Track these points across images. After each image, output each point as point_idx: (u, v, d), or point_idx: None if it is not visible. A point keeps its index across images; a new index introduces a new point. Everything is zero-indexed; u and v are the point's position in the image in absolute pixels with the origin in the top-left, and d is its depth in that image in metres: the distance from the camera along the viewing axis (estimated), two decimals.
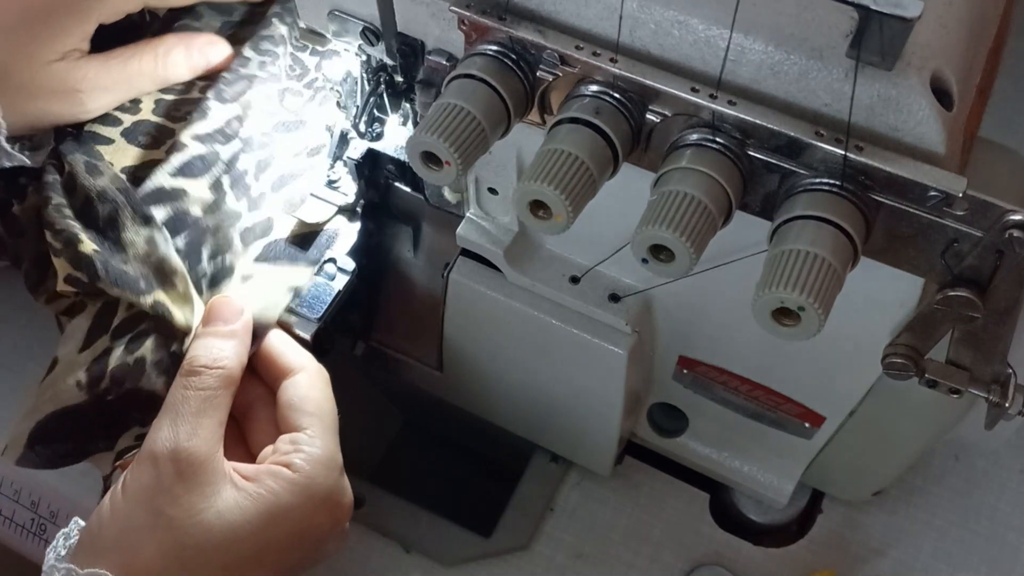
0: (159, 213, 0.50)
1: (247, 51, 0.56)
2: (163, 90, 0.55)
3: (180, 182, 0.51)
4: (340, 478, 0.47)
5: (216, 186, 0.52)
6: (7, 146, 0.50)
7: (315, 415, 0.47)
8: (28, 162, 0.51)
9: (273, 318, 0.51)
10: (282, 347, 0.50)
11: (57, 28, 0.49)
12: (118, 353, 0.48)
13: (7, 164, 0.51)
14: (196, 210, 0.51)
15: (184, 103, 0.54)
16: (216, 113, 0.54)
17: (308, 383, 0.48)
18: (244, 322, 0.48)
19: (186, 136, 0.53)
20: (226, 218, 0.52)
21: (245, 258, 0.52)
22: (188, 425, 0.44)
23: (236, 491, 0.44)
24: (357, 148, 0.53)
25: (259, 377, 0.50)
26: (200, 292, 0.51)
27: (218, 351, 0.47)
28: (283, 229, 0.54)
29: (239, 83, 0.55)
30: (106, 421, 0.49)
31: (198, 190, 0.52)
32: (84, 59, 0.51)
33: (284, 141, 0.55)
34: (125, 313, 0.49)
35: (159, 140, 0.53)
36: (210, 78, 0.55)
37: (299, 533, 0.45)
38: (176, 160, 0.52)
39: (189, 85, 0.55)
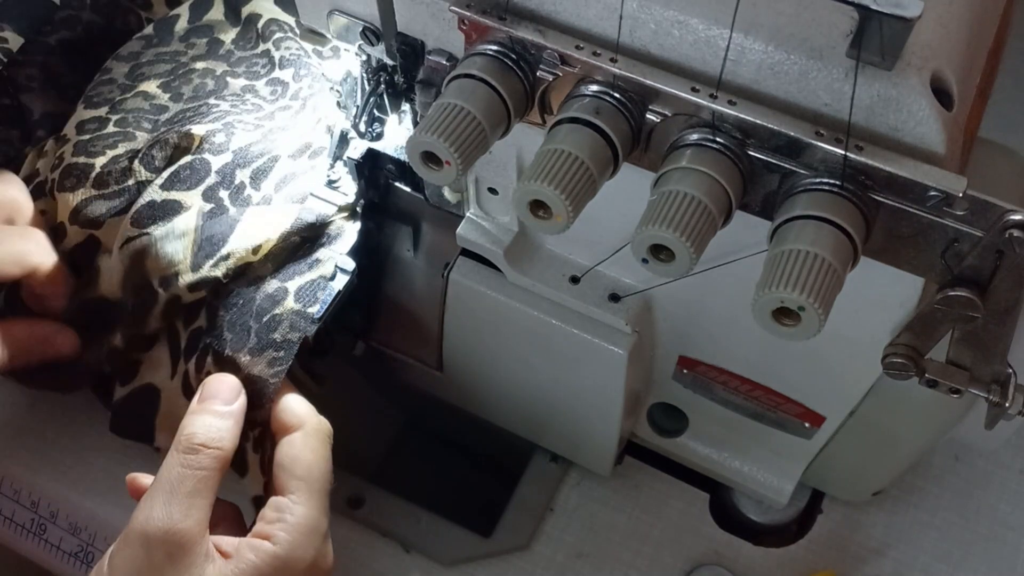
0: (158, 230, 0.51)
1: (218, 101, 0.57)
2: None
3: (173, 195, 0.52)
4: (322, 545, 0.47)
5: (211, 194, 0.52)
6: None
7: (303, 479, 0.47)
8: None
9: None
10: (284, 401, 0.50)
11: None
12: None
13: None
14: (197, 220, 0.52)
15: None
16: (196, 129, 0.54)
17: (303, 442, 0.48)
18: (241, 403, 0.49)
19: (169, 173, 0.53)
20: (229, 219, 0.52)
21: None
22: (182, 506, 0.44)
23: (218, 569, 0.44)
24: (357, 148, 0.53)
25: None
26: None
27: (216, 431, 0.47)
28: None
29: (216, 112, 0.56)
30: None
31: (192, 199, 0.52)
32: None
33: (280, 143, 0.55)
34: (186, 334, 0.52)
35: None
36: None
37: None
38: (164, 174, 0.53)
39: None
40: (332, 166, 0.55)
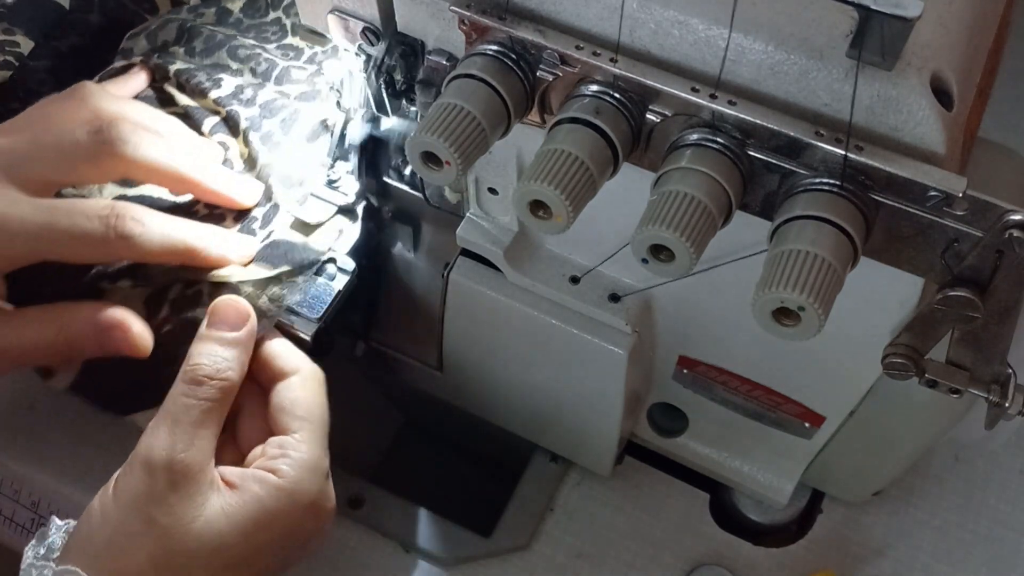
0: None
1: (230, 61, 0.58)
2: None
3: (220, 137, 0.54)
4: (325, 483, 0.47)
5: (246, 140, 0.54)
6: None
7: (305, 419, 0.47)
8: None
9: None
10: (278, 349, 0.50)
11: None
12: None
13: None
14: (239, 163, 0.54)
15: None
16: (226, 82, 0.56)
17: (301, 385, 0.48)
18: (249, 329, 0.48)
19: (207, 102, 0.56)
20: (263, 169, 0.54)
21: (289, 196, 0.54)
22: (186, 436, 0.44)
23: (223, 498, 0.44)
24: (360, 131, 0.53)
25: (253, 376, 0.50)
26: (254, 234, 0.53)
27: (222, 361, 0.46)
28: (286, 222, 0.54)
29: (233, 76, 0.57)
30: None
31: (236, 144, 0.54)
32: None
33: (305, 107, 0.56)
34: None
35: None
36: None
37: (285, 537, 0.45)
38: (208, 122, 0.55)
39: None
40: (332, 166, 0.55)
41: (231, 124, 0.55)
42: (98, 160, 0.48)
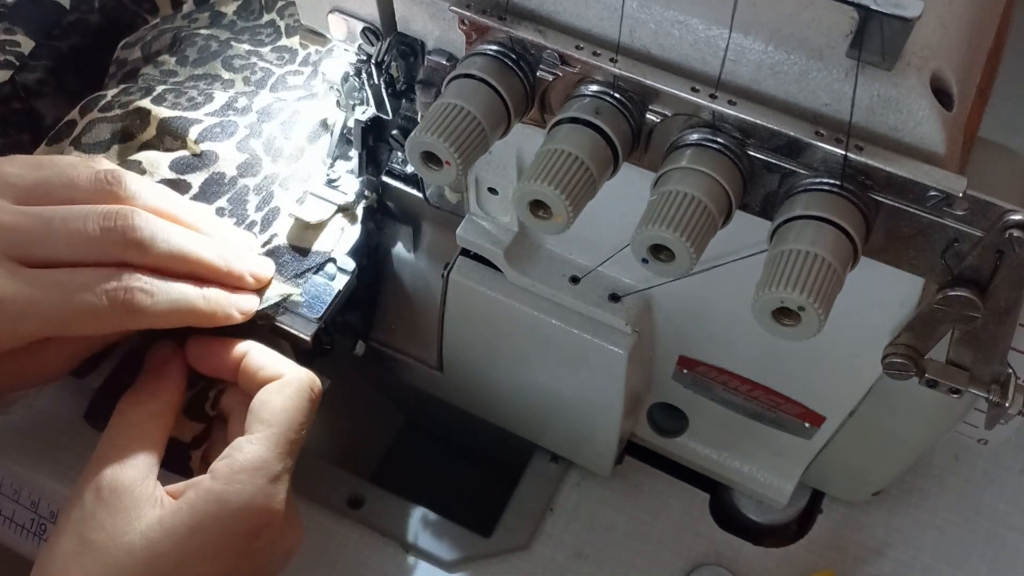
0: (195, 179, 0.53)
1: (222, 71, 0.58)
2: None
3: (206, 146, 0.54)
4: (267, 485, 0.45)
5: (244, 146, 0.54)
6: None
7: (265, 421, 0.46)
8: None
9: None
10: (262, 360, 0.49)
11: None
12: None
13: None
14: (231, 170, 0.54)
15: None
16: (218, 96, 0.56)
17: (276, 390, 0.47)
18: (179, 361, 0.49)
19: (199, 113, 0.55)
20: (265, 177, 0.54)
21: (289, 197, 0.54)
22: (117, 453, 0.45)
23: (160, 510, 0.44)
24: (364, 113, 0.53)
25: (243, 387, 0.50)
26: (254, 237, 0.53)
27: (155, 384, 0.48)
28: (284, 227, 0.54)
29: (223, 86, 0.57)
30: None
31: (227, 151, 0.54)
32: None
33: (305, 107, 0.56)
34: None
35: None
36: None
37: (217, 542, 0.44)
38: (194, 131, 0.54)
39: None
40: (332, 165, 0.55)
41: (220, 131, 0.55)
42: (108, 253, 0.47)
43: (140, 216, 0.47)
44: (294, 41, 0.59)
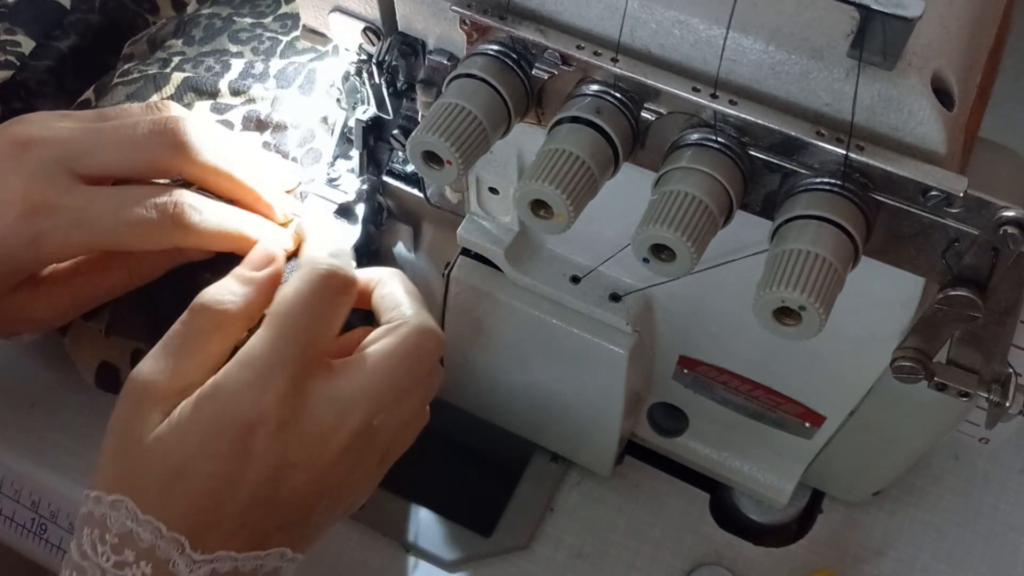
0: (234, 116, 0.54)
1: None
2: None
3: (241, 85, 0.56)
4: (256, 379, 0.43)
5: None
6: None
7: (271, 312, 0.44)
8: None
9: None
10: (361, 274, 0.49)
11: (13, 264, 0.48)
12: None
13: None
14: (266, 108, 0.55)
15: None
16: (235, 64, 0.57)
17: (292, 279, 0.46)
18: (270, 272, 0.46)
19: (220, 81, 0.57)
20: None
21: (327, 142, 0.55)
22: (159, 359, 0.43)
23: (166, 426, 0.42)
24: (365, 112, 0.53)
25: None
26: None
27: (227, 293, 0.45)
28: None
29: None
30: None
31: (259, 91, 0.56)
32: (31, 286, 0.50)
33: (320, 65, 0.57)
34: None
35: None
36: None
37: (210, 440, 0.42)
38: (223, 86, 0.56)
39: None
40: (332, 165, 0.55)
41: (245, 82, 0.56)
42: (155, 159, 0.49)
43: (189, 123, 0.49)
44: (294, 6, 0.60)
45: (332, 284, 0.45)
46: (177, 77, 0.56)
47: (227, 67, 0.57)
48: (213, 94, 0.56)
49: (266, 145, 0.55)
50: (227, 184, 0.50)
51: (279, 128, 0.55)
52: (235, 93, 0.56)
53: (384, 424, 0.45)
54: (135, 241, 0.48)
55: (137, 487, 0.41)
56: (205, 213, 0.48)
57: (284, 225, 0.53)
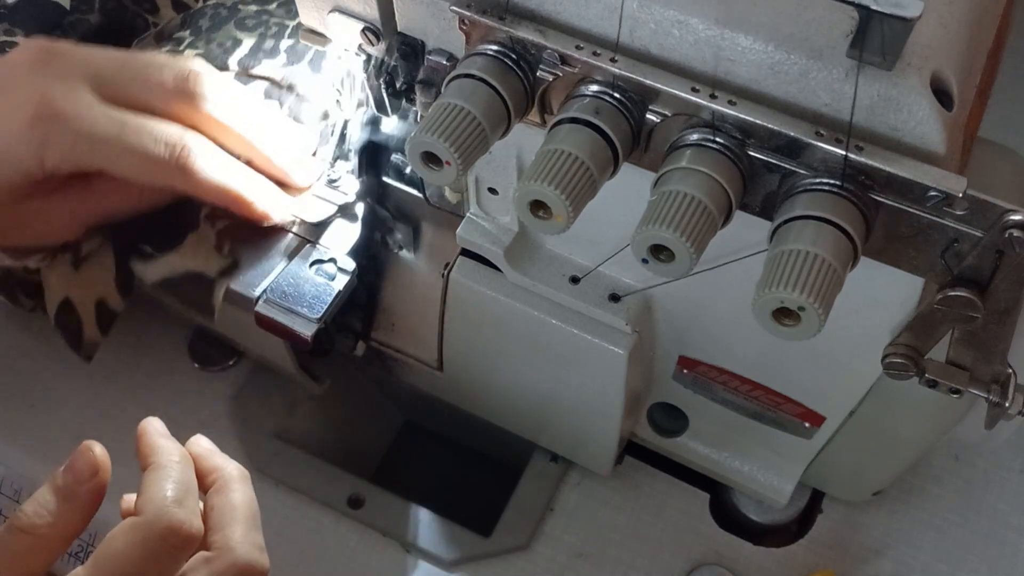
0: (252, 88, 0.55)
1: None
2: None
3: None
4: None
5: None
6: None
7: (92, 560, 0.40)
8: None
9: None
10: (205, 460, 0.45)
11: (19, 173, 0.48)
12: None
13: None
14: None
15: None
16: (246, 41, 0.58)
17: (224, 488, 0.44)
18: (92, 488, 0.42)
19: (231, 58, 0.57)
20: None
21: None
22: None
23: None
24: (358, 140, 0.53)
25: None
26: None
27: (41, 513, 0.41)
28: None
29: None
30: None
31: (273, 69, 0.56)
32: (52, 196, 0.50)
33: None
34: None
35: None
36: None
37: None
38: (233, 62, 0.56)
39: None
40: (332, 165, 0.55)
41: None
42: (172, 106, 0.49)
43: (211, 78, 0.50)
44: None
45: (170, 541, 0.40)
46: (189, 54, 0.57)
47: (238, 43, 0.57)
48: (223, 70, 0.56)
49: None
50: (240, 145, 0.51)
51: (294, 99, 0.56)
52: (245, 71, 0.56)
53: None
54: (135, 169, 0.48)
55: None
56: (211, 164, 0.49)
57: (301, 191, 0.54)
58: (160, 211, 0.53)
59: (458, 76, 0.38)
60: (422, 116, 0.46)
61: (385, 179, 0.55)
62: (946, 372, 0.40)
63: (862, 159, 0.34)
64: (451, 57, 0.42)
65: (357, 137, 0.54)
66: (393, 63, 0.45)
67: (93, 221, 0.53)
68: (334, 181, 0.55)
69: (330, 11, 0.45)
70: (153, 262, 0.54)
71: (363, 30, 0.45)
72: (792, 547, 0.60)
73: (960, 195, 0.33)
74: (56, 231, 0.52)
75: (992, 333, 0.38)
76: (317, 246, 0.54)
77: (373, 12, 0.43)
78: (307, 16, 0.47)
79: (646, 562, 0.59)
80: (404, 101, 0.50)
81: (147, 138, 0.48)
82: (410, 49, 0.44)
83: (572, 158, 0.36)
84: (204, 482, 0.45)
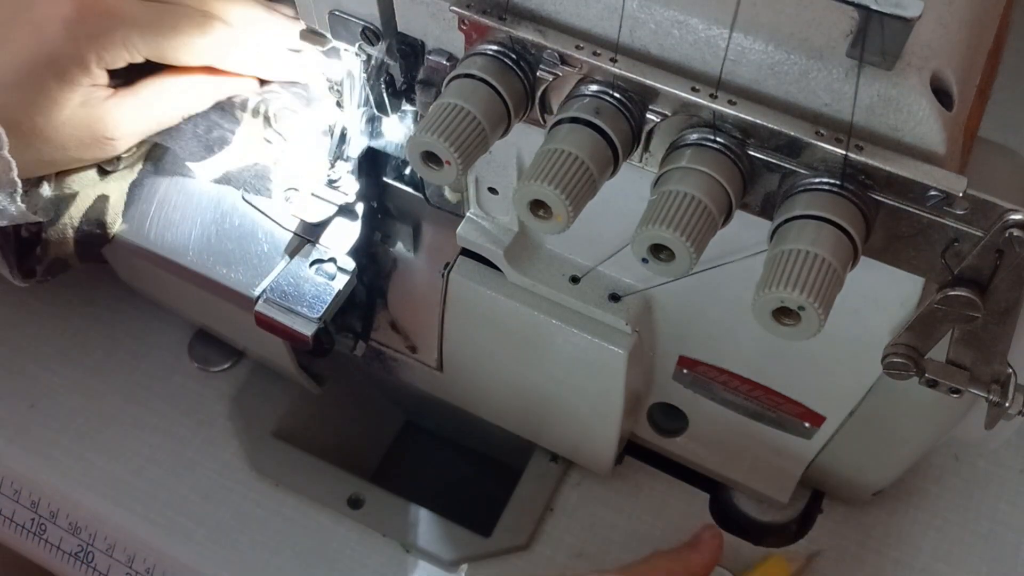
0: None
1: None
2: None
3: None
4: None
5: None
6: (12, 205, 0.49)
7: None
8: (31, 217, 0.51)
9: None
10: None
11: (64, 79, 0.49)
12: None
13: (5, 223, 0.50)
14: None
15: None
16: None
17: None
18: None
19: None
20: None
21: None
22: None
23: None
24: (357, 145, 0.53)
25: None
26: None
27: None
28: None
29: None
30: None
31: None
32: (110, 101, 0.51)
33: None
34: None
35: None
36: None
37: None
38: None
39: None
40: (332, 165, 0.55)
41: None
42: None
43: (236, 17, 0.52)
44: None
45: None
46: None
47: None
48: None
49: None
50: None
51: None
52: None
53: None
54: (173, 48, 0.51)
55: None
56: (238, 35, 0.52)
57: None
58: None
59: (458, 76, 0.38)
60: (422, 116, 0.46)
61: (385, 179, 0.55)
62: (946, 372, 0.40)
63: (862, 159, 0.34)
64: (451, 57, 0.42)
65: (357, 137, 0.54)
66: (393, 63, 0.45)
67: (165, 121, 0.54)
68: (334, 181, 0.55)
69: (330, 11, 0.45)
70: None
71: (363, 30, 0.45)
72: (792, 547, 0.60)
73: (960, 195, 0.33)
74: (128, 136, 0.53)
75: (992, 333, 0.37)
76: (317, 246, 0.54)
77: (373, 12, 0.43)
78: (307, 16, 0.47)
79: None
80: (404, 101, 0.50)
81: (185, 19, 0.50)
82: (410, 49, 0.44)
83: (572, 158, 0.36)
84: None
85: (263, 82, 0.56)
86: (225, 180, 0.56)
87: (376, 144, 0.53)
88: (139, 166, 0.57)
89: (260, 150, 0.57)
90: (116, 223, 0.57)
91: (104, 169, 0.55)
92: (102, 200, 0.56)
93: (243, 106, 0.55)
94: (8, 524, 0.61)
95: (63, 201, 0.54)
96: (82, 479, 0.60)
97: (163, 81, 0.52)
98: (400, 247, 0.58)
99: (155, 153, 0.57)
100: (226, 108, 0.56)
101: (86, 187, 0.55)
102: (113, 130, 0.51)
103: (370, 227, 0.56)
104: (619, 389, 0.52)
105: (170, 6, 0.51)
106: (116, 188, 0.56)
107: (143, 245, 0.56)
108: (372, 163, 0.54)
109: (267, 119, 0.55)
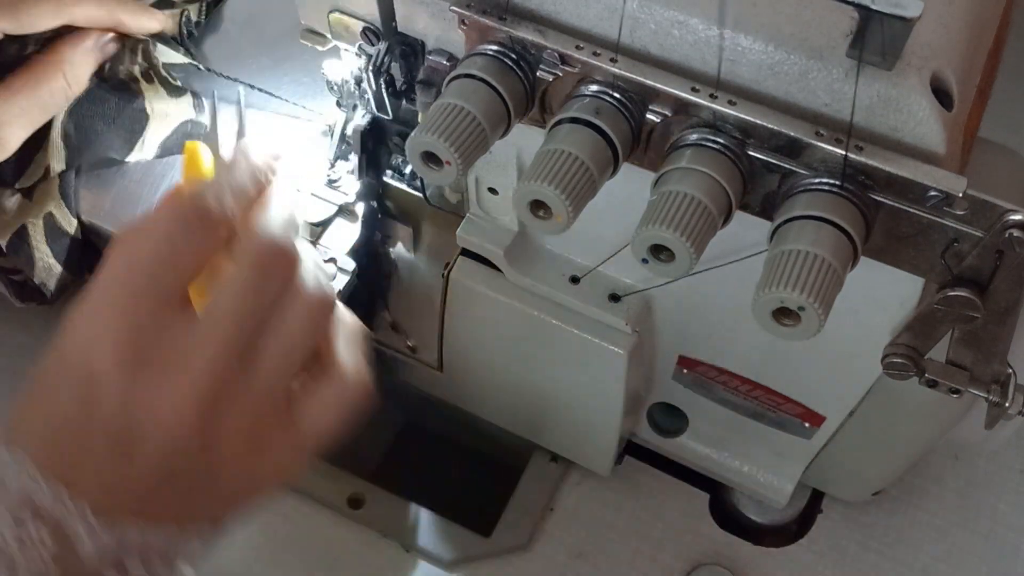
0: None
1: None
2: None
3: None
4: None
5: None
6: None
7: None
8: None
9: None
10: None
11: None
12: None
13: None
14: None
15: None
16: None
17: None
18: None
19: None
20: None
21: None
22: None
23: None
24: (363, 116, 0.53)
25: None
26: None
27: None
28: None
29: None
30: None
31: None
32: None
33: None
34: None
35: None
36: None
37: None
38: None
39: None
40: (332, 166, 0.55)
41: None
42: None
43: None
44: None
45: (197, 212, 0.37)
46: None
47: None
48: None
49: None
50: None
51: None
52: None
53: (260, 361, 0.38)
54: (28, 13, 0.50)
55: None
56: None
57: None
58: None
59: (458, 76, 0.38)
60: (422, 116, 0.46)
61: (385, 179, 0.55)
62: (946, 372, 0.40)
63: (862, 159, 0.34)
64: (451, 57, 0.42)
65: (357, 137, 0.54)
66: (393, 63, 0.45)
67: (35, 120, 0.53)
68: (334, 181, 0.55)
69: (330, 11, 0.45)
70: None
71: (363, 30, 0.45)
72: (792, 547, 0.60)
73: (960, 195, 0.33)
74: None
75: (992, 333, 0.37)
76: (317, 246, 0.54)
77: (373, 12, 0.43)
78: (307, 16, 0.47)
79: (646, 562, 0.59)
80: (404, 101, 0.50)
81: None
82: (410, 49, 0.44)
83: (572, 158, 0.36)
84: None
85: (122, 36, 0.56)
86: (166, 152, 0.57)
87: (377, 139, 0.53)
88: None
89: (180, 108, 0.57)
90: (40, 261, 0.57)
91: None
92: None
93: (132, 77, 0.56)
94: None
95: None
96: None
97: (35, 69, 0.52)
98: (400, 247, 0.58)
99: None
100: (121, 88, 0.56)
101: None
102: None
103: (370, 227, 0.56)
104: (619, 389, 0.52)
105: None
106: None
107: None
108: (372, 162, 0.54)
109: (161, 77, 0.56)
